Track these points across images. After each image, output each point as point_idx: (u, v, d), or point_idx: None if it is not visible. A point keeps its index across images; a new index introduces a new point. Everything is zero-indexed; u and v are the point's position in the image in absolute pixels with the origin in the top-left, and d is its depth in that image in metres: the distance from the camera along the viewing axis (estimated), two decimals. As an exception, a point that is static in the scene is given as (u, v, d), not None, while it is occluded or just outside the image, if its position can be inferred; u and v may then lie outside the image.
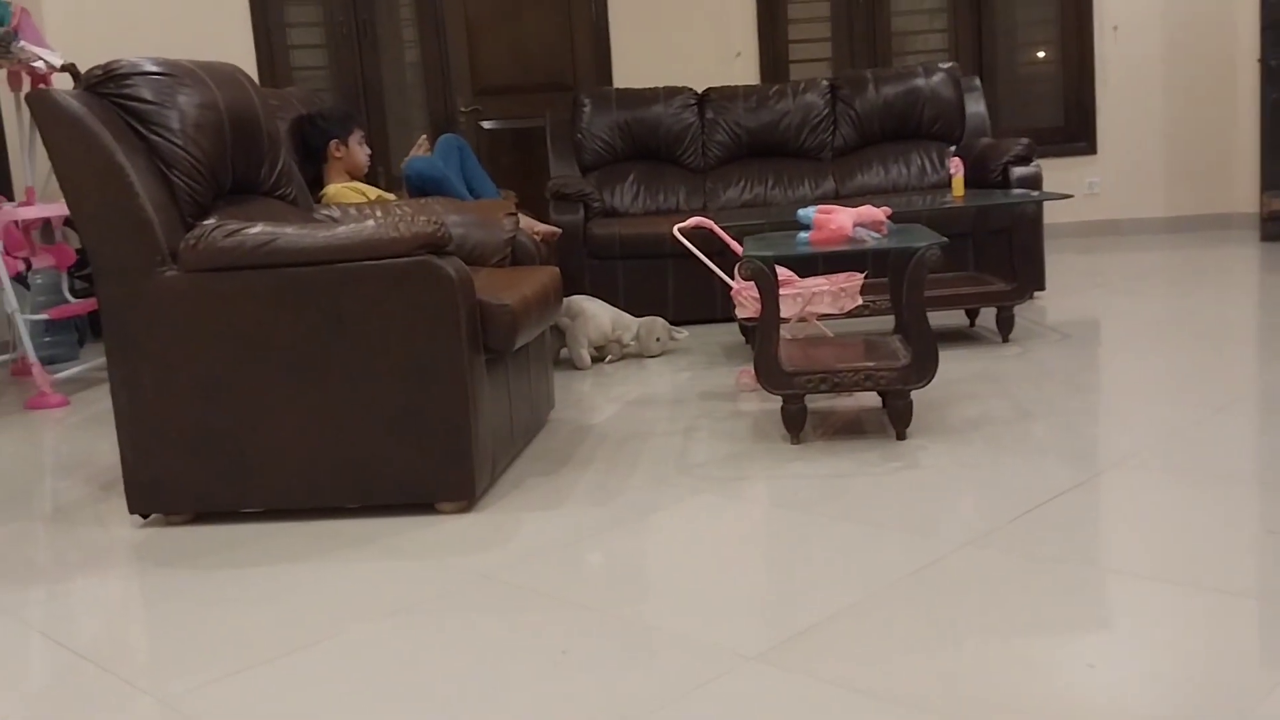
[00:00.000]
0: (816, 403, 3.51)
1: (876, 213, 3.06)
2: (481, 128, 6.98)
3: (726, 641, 1.97)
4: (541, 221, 4.72)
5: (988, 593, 2.09)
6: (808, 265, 4.92)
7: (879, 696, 1.73)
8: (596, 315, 4.42)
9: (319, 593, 2.33)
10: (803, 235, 3.07)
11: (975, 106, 5.73)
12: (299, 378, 2.69)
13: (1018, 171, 5.10)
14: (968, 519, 2.48)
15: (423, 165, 4.21)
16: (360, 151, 4.19)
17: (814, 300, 3.55)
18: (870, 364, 3.02)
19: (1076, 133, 7.25)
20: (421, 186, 4.21)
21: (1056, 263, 6.25)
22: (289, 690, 1.91)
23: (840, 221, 2.97)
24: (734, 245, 3.87)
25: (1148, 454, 2.82)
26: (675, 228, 3.74)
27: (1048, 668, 1.78)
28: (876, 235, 3.05)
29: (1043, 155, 6.97)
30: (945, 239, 3.01)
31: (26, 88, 4.80)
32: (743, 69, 7.04)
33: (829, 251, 3.02)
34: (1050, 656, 1.82)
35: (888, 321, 4.69)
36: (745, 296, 3.68)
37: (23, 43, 4.51)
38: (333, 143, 4.12)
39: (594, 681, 1.85)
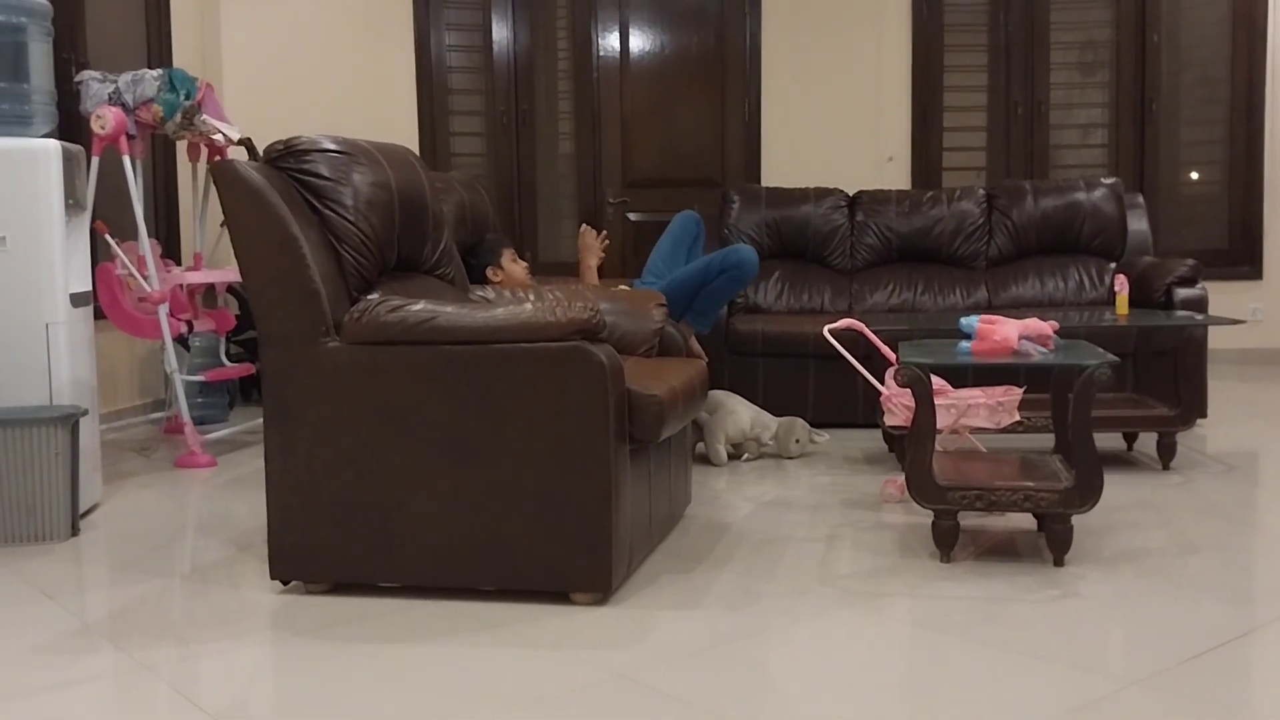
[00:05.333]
0: (965, 520, 3.37)
1: (1044, 326, 2.94)
2: (628, 219, 7.06)
3: (875, 769, 1.85)
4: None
5: (1162, 742, 1.93)
6: (959, 376, 4.78)
7: None
8: (736, 412, 4.36)
9: (451, 676, 2.29)
10: (964, 344, 2.98)
11: (1138, 224, 5.57)
12: (447, 456, 2.69)
13: (1182, 293, 4.91)
14: (1131, 658, 2.31)
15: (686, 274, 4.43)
16: (516, 268, 4.29)
17: (969, 413, 3.43)
18: (1030, 484, 2.88)
19: (1240, 256, 6.97)
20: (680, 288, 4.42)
21: (1216, 390, 5.96)
22: (419, 777, 1.86)
23: (1005, 333, 2.87)
24: (884, 349, 3.78)
25: (1333, 603, 2.61)
26: (825, 328, 3.67)
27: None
28: (1043, 350, 2.93)
29: (1204, 278, 6.70)
30: (1116, 358, 2.88)
31: (203, 159, 5.03)
32: (893, 174, 6.99)
33: (991, 364, 2.92)
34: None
35: (1038, 440, 4.50)
36: (896, 404, 3.58)
37: (205, 116, 4.74)
38: (488, 270, 4.24)
39: (734, 799, 1.76)
